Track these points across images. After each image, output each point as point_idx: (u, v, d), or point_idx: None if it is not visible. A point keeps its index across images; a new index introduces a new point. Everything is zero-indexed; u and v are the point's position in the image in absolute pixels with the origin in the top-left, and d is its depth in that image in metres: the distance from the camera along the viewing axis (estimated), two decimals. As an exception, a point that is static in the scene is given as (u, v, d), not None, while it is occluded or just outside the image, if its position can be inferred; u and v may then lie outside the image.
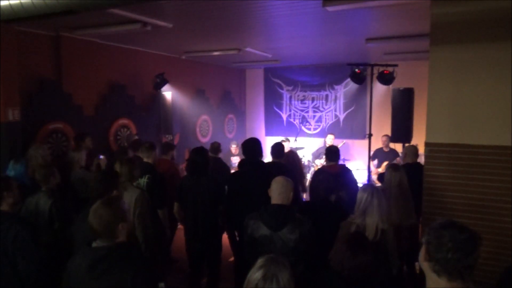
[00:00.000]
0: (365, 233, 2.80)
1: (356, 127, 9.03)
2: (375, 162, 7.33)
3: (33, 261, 2.66)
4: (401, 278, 3.42)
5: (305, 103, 9.70)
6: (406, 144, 5.24)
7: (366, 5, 3.85)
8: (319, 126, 9.58)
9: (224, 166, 5.34)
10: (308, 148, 8.62)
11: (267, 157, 5.08)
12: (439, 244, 1.49)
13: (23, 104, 4.92)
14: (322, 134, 9.31)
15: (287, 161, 4.65)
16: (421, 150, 4.31)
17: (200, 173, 3.80)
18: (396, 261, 2.97)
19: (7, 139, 4.57)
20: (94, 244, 1.98)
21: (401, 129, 5.43)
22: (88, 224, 1.99)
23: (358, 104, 9.00)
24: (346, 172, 4.36)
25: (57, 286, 3.07)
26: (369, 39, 5.90)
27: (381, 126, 7.54)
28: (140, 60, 7.02)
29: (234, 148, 8.39)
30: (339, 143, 7.98)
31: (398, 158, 6.96)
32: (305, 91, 9.64)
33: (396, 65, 5.97)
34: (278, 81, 9.93)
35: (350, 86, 8.89)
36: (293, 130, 9.52)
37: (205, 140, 8.69)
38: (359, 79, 6.23)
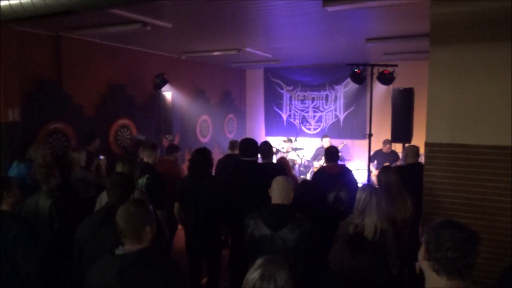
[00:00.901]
0: (364, 233, 2.80)
1: (356, 127, 9.03)
2: (375, 163, 7.32)
3: (33, 261, 2.67)
4: (401, 278, 3.41)
5: (305, 103, 9.70)
6: (407, 145, 5.24)
7: (366, 5, 3.84)
8: (319, 126, 9.58)
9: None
10: (307, 149, 8.62)
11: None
12: (438, 244, 1.51)
13: (23, 104, 4.92)
14: (322, 134, 9.31)
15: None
16: (421, 150, 4.31)
17: (202, 174, 3.79)
18: (396, 261, 2.97)
19: (7, 139, 4.57)
20: (118, 252, 1.89)
21: (401, 129, 5.43)
22: (115, 225, 1.92)
23: (358, 104, 9.00)
24: (346, 173, 4.36)
25: (57, 286, 3.08)
26: (369, 39, 5.90)
27: (381, 126, 7.55)
28: (140, 60, 7.02)
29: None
30: (339, 145, 7.99)
31: (399, 161, 6.93)
32: (305, 91, 9.64)
33: (396, 65, 5.97)
34: (278, 81, 9.93)
35: (350, 86, 8.89)
36: (293, 130, 9.53)
37: (205, 140, 8.70)
38: (359, 79, 6.23)
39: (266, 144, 4.64)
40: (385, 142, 7.24)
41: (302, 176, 7.22)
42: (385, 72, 5.98)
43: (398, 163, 6.87)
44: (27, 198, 3.32)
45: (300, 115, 9.78)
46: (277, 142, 8.47)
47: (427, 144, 3.65)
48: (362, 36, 5.77)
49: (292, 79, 9.72)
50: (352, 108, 9.11)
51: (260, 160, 4.55)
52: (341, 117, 9.29)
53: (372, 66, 5.91)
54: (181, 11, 4.34)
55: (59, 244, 3.22)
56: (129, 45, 6.62)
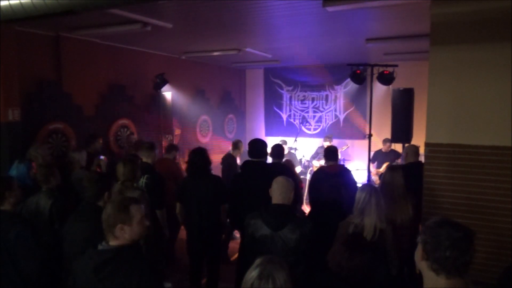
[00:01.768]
0: (363, 233, 2.80)
1: (356, 127, 9.03)
2: (375, 163, 7.32)
3: (35, 261, 2.67)
4: (401, 278, 3.41)
5: (305, 103, 9.70)
6: (407, 144, 5.24)
7: (366, 5, 3.85)
8: (319, 126, 9.58)
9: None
10: (306, 149, 8.63)
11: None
12: (436, 243, 1.51)
13: (23, 104, 4.92)
14: (322, 134, 9.31)
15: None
16: (421, 150, 4.31)
17: (201, 174, 3.81)
18: (396, 261, 2.97)
19: (7, 139, 4.57)
20: (100, 247, 1.97)
21: (401, 129, 5.43)
22: (86, 226, 2.01)
23: (358, 104, 9.00)
24: (345, 173, 4.35)
25: (58, 285, 3.08)
26: (369, 39, 5.90)
27: (381, 126, 7.55)
28: (140, 60, 7.02)
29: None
30: (342, 146, 7.99)
31: (399, 159, 6.93)
32: (305, 91, 9.64)
33: (396, 65, 5.97)
34: (278, 81, 9.93)
35: (350, 86, 8.90)
36: (293, 130, 9.52)
37: (205, 140, 8.70)
38: (359, 79, 6.23)
39: (278, 146, 4.64)
40: (385, 141, 7.26)
41: (302, 176, 7.22)
42: (385, 72, 5.98)
43: (399, 161, 6.87)
44: (27, 198, 3.32)
45: (300, 115, 9.78)
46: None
47: (427, 144, 3.65)
48: (362, 36, 5.77)
49: (292, 79, 9.72)
50: (352, 108, 9.11)
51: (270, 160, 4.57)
52: (341, 117, 9.29)
53: (372, 66, 5.91)
54: (181, 11, 4.34)
55: (59, 244, 3.22)
56: (129, 45, 6.62)
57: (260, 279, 1.60)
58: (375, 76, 6.01)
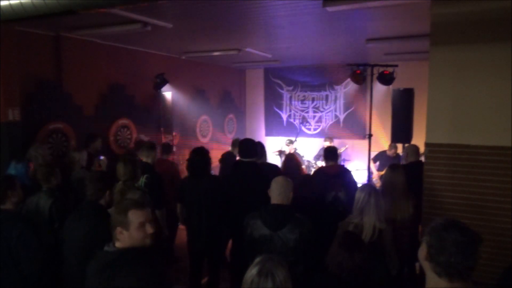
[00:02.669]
0: (363, 233, 2.80)
1: (356, 127, 9.03)
2: (377, 164, 7.27)
3: (36, 260, 2.67)
4: (401, 278, 3.41)
5: (305, 103, 9.70)
6: (407, 144, 5.24)
7: (366, 5, 3.84)
8: (319, 126, 9.58)
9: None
10: (306, 149, 8.62)
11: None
12: (441, 247, 1.50)
13: (23, 104, 4.92)
14: (322, 134, 9.31)
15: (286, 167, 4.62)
16: (421, 150, 4.31)
17: (201, 173, 3.80)
18: (396, 261, 2.96)
19: (7, 139, 4.57)
20: (106, 248, 1.98)
21: (401, 129, 5.43)
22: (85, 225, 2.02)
23: (358, 104, 9.00)
24: (345, 173, 4.35)
25: (58, 285, 3.08)
26: (369, 39, 5.90)
27: (381, 127, 7.55)
28: (140, 60, 7.02)
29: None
30: (341, 147, 7.98)
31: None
32: (305, 91, 9.64)
33: (396, 65, 5.98)
34: (278, 81, 9.93)
35: (350, 86, 8.89)
36: (293, 130, 9.52)
37: (205, 140, 8.70)
38: (359, 79, 6.24)
39: (260, 145, 4.62)
40: (392, 146, 7.01)
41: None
42: (385, 72, 5.99)
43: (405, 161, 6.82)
44: (27, 198, 3.32)
45: (300, 115, 9.78)
46: (278, 143, 8.49)
47: (427, 144, 3.65)
48: (362, 36, 5.77)
49: (292, 79, 9.72)
50: (352, 108, 9.10)
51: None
52: (341, 117, 9.28)
53: (372, 66, 5.92)
54: (181, 11, 4.34)
55: (60, 243, 3.22)
56: (129, 45, 6.62)
57: (260, 276, 1.60)
58: (375, 76, 6.02)
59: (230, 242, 4.92)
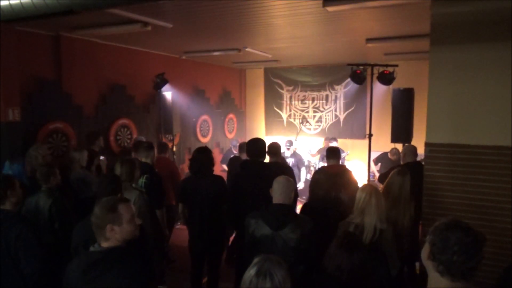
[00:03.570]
0: (364, 233, 2.80)
1: (356, 127, 9.03)
2: (378, 165, 7.26)
3: (36, 260, 2.67)
4: (401, 279, 3.41)
5: (305, 103, 9.70)
6: (406, 144, 5.24)
7: (366, 5, 3.84)
8: (319, 126, 9.58)
9: None
10: (306, 149, 8.62)
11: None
12: (444, 247, 1.50)
13: (23, 104, 4.92)
14: (322, 134, 9.32)
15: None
16: (421, 150, 4.30)
17: (204, 173, 3.79)
18: (396, 262, 2.96)
19: (7, 139, 4.57)
20: (91, 248, 1.96)
21: (401, 129, 5.43)
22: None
23: (358, 104, 9.00)
24: (345, 172, 4.35)
25: (58, 285, 3.08)
26: (369, 39, 5.90)
27: (381, 126, 7.54)
28: (140, 60, 7.02)
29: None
30: (343, 153, 7.95)
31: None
32: (305, 91, 9.64)
33: (396, 65, 5.97)
34: (278, 81, 9.93)
35: (350, 86, 8.89)
36: (293, 130, 9.53)
37: (205, 140, 8.70)
38: (359, 79, 6.22)
39: (276, 144, 4.60)
40: (394, 152, 6.86)
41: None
42: (385, 72, 5.97)
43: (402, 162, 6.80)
44: (26, 197, 3.32)
45: (300, 115, 9.78)
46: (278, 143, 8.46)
47: (427, 144, 3.65)
48: (362, 36, 5.77)
49: (292, 79, 9.72)
50: (352, 108, 9.10)
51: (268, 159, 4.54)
52: (341, 117, 9.29)
53: (372, 66, 5.91)
54: (181, 11, 4.34)
55: (59, 243, 3.22)
56: (129, 45, 6.62)
57: (258, 276, 1.59)
58: (375, 76, 6.01)
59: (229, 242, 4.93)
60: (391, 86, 6.11)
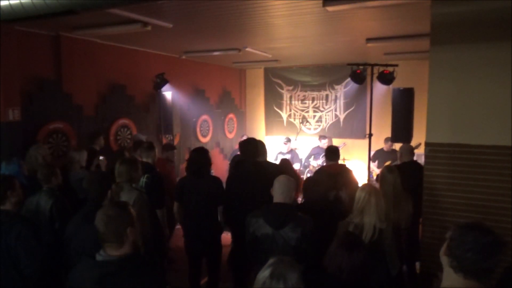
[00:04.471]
0: (363, 233, 2.80)
1: (356, 127, 9.03)
2: (376, 163, 7.31)
3: (36, 260, 2.67)
4: (401, 278, 3.41)
5: (305, 103, 9.70)
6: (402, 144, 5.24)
7: (366, 5, 3.84)
8: (319, 126, 9.58)
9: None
10: (305, 149, 8.61)
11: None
12: (461, 242, 1.53)
13: (23, 104, 4.92)
14: (322, 134, 9.31)
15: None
16: (421, 150, 4.31)
17: (200, 174, 3.80)
18: (396, 261, 2.96)
19: (7, 139, 4.57)
20: (99, 257, 1.85)
21: (401, 129, 5.42)
22: (95, 228, 1.89)
23: (358, 104, 9.00)
24: (345, 172, 4.36)
25: (58, 285, 3.08)
26: (369, 39, 5.90)
27: (381, 126, 7.54)
28: (140, 60, 7.02)
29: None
30: (339, 145, 7.97)
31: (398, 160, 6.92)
32: (305, 91, 9.64)
33: (396, 65, 5.97)
34: (278, 81, 9.92)
35: (350, 86, 8.89)
36: (293, 130, 9.53)
37: (205, 140, 8.70)
38: (359, 79, 6.22)
39: (260, 143, 4.58)
40: (386, 140, 7.21)
41: (301, 176, 7.21)
42: (385, 72, 5.97)
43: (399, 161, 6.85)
44: (27, 197, 3.32)
45: (300, 115, 9.78)
46: (279, 142, 8.47)
47: (427, 144, 3.65)
48: (362, 36, 5.77)
49: (292, 79, 9.72)
50: (352, 108, 9.10)
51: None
52: (341, 117, 9.29)
53: (372, 66, 5.91)
54: (181, 11, 4.34)
55: (59, 243, 3.22)
56: (129, 45, 6.62)
57: (272, 278, 1.61)
58: (375, 76, 6.01)
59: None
60: (391, 86, 6.12)
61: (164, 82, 6.79)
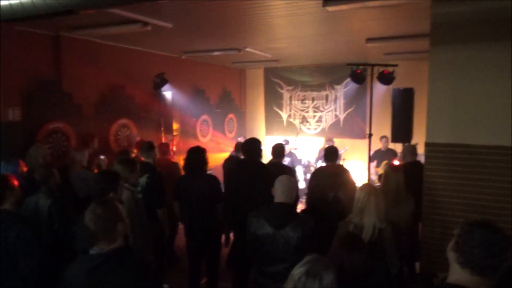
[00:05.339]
0: (363, 233, 2.80)
1: (356, 127, 9.04)
2: (375, 163, 7.32)
3: (35, 260, 2.67)
4: (401, 278, 3.41)
5: (305, 103, 9.70)
6: (405, 144, 5.24)
7: (366, 5, 3.84)
8: (319, 126, 9.59)
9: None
10: (305, 149, 8.62)
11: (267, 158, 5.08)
12: (469, 238, 1.53)
13: (23, 104, 4.92)
14: (322, 134, 9.32)
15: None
16: (421, 150, 4.31)
17: (197, 172, 3.81)
18: (396, 261, 2.96)
19: (7, 139, 4.57)
20: (91, 251, 1.91)
21: (401, 129, 5.43)
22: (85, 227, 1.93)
23: (358, 104, 9.00)
24: (344, 172, 4.35)
25: (58, 285, 3.08)
26: (369, 39, 5.90)
27: (381, 126, 7.54)
28: (140, 60, 7.02)
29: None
30: (340, 149, 7.97)
31: (396, 158, 6.93)
32: (305, 91, 9.64)
33: (396, 65, 5.97)
34: (278, 81, 9.93)
35: (350, 86, 8.89)
36: (293, 130, 9.54)
37: (205, 140, 8.70)
38: (359, 79, 6.23)
39: (279, 145, 4.60)
40: (382, 138, 7.27)
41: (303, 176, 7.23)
42: (385, 72, 5.98)
43: (396, 159, 6.86)
44: (26, 197, 3.32)
45: (300, 115, 9.78)
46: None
47: (427, 144, 3.65)
48: (362, 36, 5.77)
49: (292, 79, 9.72)
50: (352, 108, 9.11)
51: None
52: (341, 117, 9.29)
53: (372, 66, 5.91)
54: (181, 11, 4.34)
55: (59, 243, 3.22)
56: (129, 45, 6.62)
57: (308, 275, 1.62)
58: (375, 76, 6.01)
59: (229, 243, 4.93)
60: (391, 86, 6.12)
61: (164, 82, 6.79)
